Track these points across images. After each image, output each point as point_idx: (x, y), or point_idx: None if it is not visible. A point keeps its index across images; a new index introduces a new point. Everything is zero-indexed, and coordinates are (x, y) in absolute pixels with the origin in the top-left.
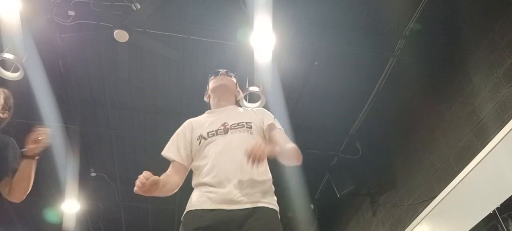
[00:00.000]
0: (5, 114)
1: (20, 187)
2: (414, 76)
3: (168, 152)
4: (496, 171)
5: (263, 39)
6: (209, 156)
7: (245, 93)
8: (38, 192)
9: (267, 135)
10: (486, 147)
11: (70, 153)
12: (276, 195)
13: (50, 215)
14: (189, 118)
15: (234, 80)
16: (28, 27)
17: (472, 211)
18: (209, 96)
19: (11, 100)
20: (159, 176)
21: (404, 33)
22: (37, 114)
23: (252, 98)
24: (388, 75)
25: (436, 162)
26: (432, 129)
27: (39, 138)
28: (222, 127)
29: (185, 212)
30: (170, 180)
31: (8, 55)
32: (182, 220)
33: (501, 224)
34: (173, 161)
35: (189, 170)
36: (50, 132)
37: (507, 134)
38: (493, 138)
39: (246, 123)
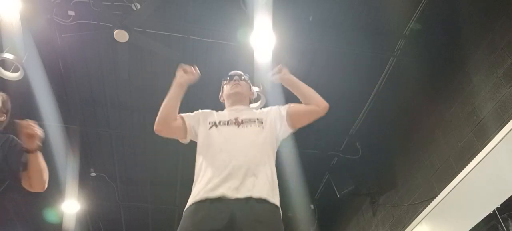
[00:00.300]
0: (3, 118)
1: (37, 179)
2: (414, 76)
3: (185, 114)
4: (496, 171)
5: (263, 39)
6: (217, 143)
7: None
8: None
9: (286, 116)
10: (486, 147)
11: (70, 153)
12: None
13: (50, 215)
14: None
15: (248, 83)
16: (28, 27)
17: (472, 211)
18: (223, 98)
19: (9, 104)
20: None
21: (404, 33)
22: (37, 114)
23: None
24: (388, 75)
25: (436, 162)
26: (432, 129)
27: (30, 132)
28: (233, 119)
29: (187, 205)
30: (174, 114)
31: (8, 55)
32: (184, 213)
33: (501, 224)
34: (185, 116)
35: (183, 139)
36: (34, 122)
37: (507, 134)
38: (493, 138)
39: (258, 119)
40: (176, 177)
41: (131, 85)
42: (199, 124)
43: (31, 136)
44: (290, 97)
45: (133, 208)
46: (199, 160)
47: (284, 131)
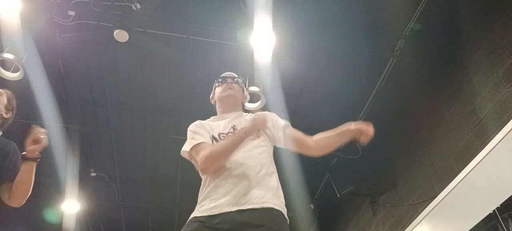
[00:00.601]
0: (8, 115)
1: (21, 190)
2: (414, 76)
3: (199, 139)
4: (496, 171)
5: (263, 39)
6: None
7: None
8: (38, 192)
9: (282, 134)
10: (486, 147)
11: (70, 153)
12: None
13: (50, 215)
14: (189, 118)
15: (241, 86)
16: (28, 27)
17: (472, 211)
18: (214, 100)
19: (14, 101)
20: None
21: (404, 33)
22: (37, 114)
23: (252, 98)
24: (388, 75)
25: (436, 162)
26: (432, 129)
27: (39, 138)
28: (232, 130)
29: (191, 217)
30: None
31: (8, 55)
32: (187, 222)
33: (501, 224)
34: (203, 142)
35: None
36: (47, 132)
37: (507, 134)
38: (493, 138)
39: None
40: (176, 177)
41: (131, 85)
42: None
43: (37, 142)
44: (290, 98)
45: (133, 208)
46: (204, 176)
47: (277, 143)
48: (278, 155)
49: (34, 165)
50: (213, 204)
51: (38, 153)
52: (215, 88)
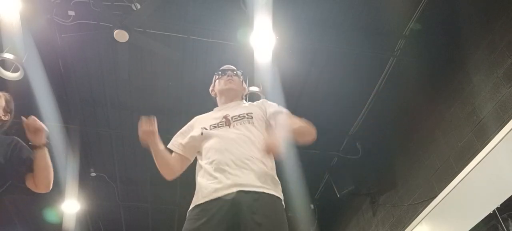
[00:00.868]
0: (6, 117)
1: (42, 177)
2: (414, 76)
3: (171, 144)
4: (496, 171)
5: (263, 39)
6: (212, 147)
7: (245, 93)
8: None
9: (273, 122)
10: (486, 147)
11: (70, 153)
12: None
13: (50, 215)
14: (189, 117)
15: (241, 78)
16: (28, 27)
17: (472, 211)
18: (214, 93)
19: (12, 104)
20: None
21: (404, 33)
22: (37, 115)
23: (252, 98)
24: (388, 75)
25: (436, 162)
26: (432, 129)
27: (36, 126)
28: (223, 119)
29: (190, 208)
30: (171, 161)
31: (8, 55)
32: (188, 215)
33: (501, 224)
34: (173, 152)
35: (191, 160)
36: (37, 119)
37: (507, 134)
38: (493, 138)
39: (247, 114)
40: (176, 177)
41: (131, 85)
42: (194, 136)
43: (37, 130)
44: (290, 98)
45: (133, 208)
46: (199, 164)
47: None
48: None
49: (45, 150)
50: (209, 190)
51: (42, 140)
52: (215, 81)
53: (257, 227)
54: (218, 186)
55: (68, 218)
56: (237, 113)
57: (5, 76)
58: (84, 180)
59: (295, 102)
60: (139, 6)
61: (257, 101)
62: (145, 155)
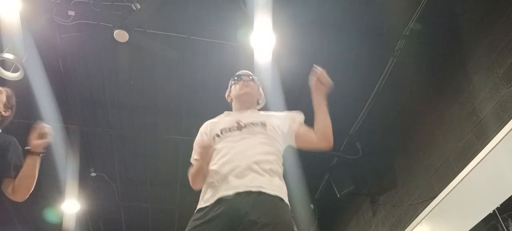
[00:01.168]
0: (7, 113)
1: (24, 184)
2: (414, 76)
3: (193, 156)
4: (496, 171)
5: (263, 39)
6: (221, 151)
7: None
8: (38, 192)
9: (296, 129)
10: (486, 147)
11: (70, 153)
12: None
13: (50, 215)
14: (189, 117)
15: (257, 84)
16: (28, 27)
17: (472, 211)
18: (230, 98)
19: (14, 99)
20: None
21: (404, 33)
22: (37, 114)
23: None
24: (388, 75)
25: (436, 162)
26: (432, 129)
27: (43, 133)
28: (235, 124)
29: (195, 211)
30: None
31: (8, 55)
32: (192, 218)
33: (501, 224)
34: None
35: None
36: (51, 129)
37: (507, 134)
38: (493, 138)
39: (260, 122)
40: (176, 177)
41: (131, 85)
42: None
43: (43, 137)
44: (290, 98)
45: (133, 208)
46: (209, 169)
47: (288, 142)
48: None
49: (38, 159)
50: (213, 193)
51: (42, 148)
52: (231, 86)
53: (264, 227)
54: (221, 189)
55: (68, 218)
56: (251, 121)
57: (5, 76)
58: (84, 180)
59: (295, 102)
60: (139, 6)
61: (278, 113)
62: (145, 155)
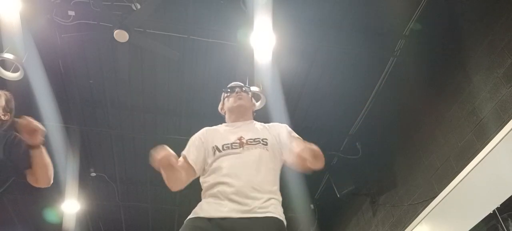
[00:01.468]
0: (6, 117)
1: (42, 174)
2: (414, 76)
3: (186, 151)
4: (496, 171)
5: (263, 39)
6: (223, 168)
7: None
8: (38, 192)
9: (288, 145)
10: (486, 147)
11: (70, 153)
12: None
13: (50, 215)
14: (189, 118)
15: (249, 94)
16: (28, 27)
17: (472, 211)
18: (224, 111)
19: (13, 103)
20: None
21: (404, 33)
22: (37, 114)
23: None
24: (388, 75)
25: (436, 162)
26: (432, 129)
27: (31, 128)
28: (238, 141)
29: (190, 217)
30: (180, 174)
31: (8, 55)
32: (185, 222)
33: (501, 224)
34: (186, 159)
35: (196, 175)
36: (34, 121)
37: (507, 134)
38: (493, 138)
39: (262, 139)
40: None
41: (131, 85)
42: (206, 149)
43: (33, 132)
44: (290, 98)
45: (133, 208)
46: (206, 181)
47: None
48: None
49: (42, 149)
50: (216, 207)
51: (38, 140)
52: (224, 99)
53: None
54: (223, 208)
55: (68, 218)
56: (253, 137)
57: (5, 76)
58: (84, 180)
59: (295, 103)
60: (139, 6)
61: (268, 124)
62: (145, 155)
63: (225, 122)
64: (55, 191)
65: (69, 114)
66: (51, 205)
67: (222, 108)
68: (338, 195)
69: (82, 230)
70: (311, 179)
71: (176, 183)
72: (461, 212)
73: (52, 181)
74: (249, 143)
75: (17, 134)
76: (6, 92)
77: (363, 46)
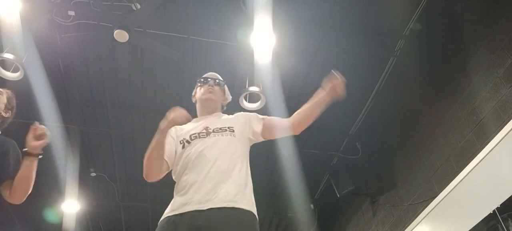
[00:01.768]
0: (8, 114)
1: (22, 187)
2: (414, 76)
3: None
4: (496, 171)
5: (263, 39)
6: (190, 157)
7: (245, 93)
8: (38, 192)
9: (260, 127)
10: (486, 147)
11: (70, 153)
12: (277, 196)
13: (50, 215)
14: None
15: (223, 88)
16: (28, 27)
17: (472, 211)
18: (195, 99)
19: (14, 100)
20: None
21: (404, 33)
22: (37, 114)
23: (252, 98)
24: (388, 75)
25: (436, 162)
26: (432, 129)
27: (41, 134)
28: (204, 131)
29: (161, 218)
30: (160, 161)
31: (8, 55)
32: (158, 225)
33: (501, 224)
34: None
35: (169, 169)
36: (48, 129)
37: (507, 134)
38: (493, 138)
39: (228, 127)
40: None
41: (131, 85)
42: (176, 143)
43: (40, 137)
44: (290, 98)
45: (133, 208)
46: (175, 176)
47: (256, 140)
48: (278, 155)
49: (36, 161)
50: (182, 202)
51: (40, 150)
52: (196, 88)
53: None
54: (189, 201)
55: (68, 218)
56: (219, 126)
57: (5, 76)
58: (84, 180)
59: (295, 103)
60: (139, 6)
61: (236, 114)
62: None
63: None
64: (55, 191)
65: (69, 114)
66: (51, 205)
67: (194, 97)
68: (338, 195)
69: (82, 230)
70: (311, 179)
71: (156, 165)
72: (461, 212)
73: (24, 199)
74: (215, 131)
75: (16, 145)
76: (8, 91)
77: (363, 46)
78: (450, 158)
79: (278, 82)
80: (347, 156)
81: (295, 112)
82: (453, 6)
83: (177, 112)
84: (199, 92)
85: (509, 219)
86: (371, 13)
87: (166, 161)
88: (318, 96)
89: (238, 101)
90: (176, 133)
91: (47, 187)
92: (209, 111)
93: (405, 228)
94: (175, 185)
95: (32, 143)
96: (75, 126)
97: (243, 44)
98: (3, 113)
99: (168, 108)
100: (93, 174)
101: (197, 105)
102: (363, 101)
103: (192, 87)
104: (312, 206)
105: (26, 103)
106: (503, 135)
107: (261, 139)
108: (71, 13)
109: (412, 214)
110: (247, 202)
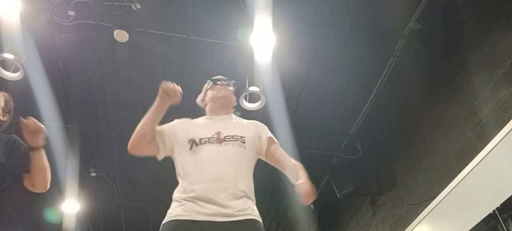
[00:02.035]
0: (5, 117)
1: (39, 178)
2: (414, 76)
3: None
4: (496, 171)
5: (263, 39)
6: (199, 164)
7: (245, 93)
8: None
9: (264, 147)
10: (486, 147)
11: (70, 153)
12: (277, 195)
13: (50, 215)
14: (189, 117)
15: (233, 89)
16: (28, 27)
17: (472, 211)
18: (205, 102)
19: (11, 104)
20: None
21: (404, 33)
22: (37, 114)
23: (252, 98)
24: (388, 75)
25: (436, 162)
26: (432, 129)
27: (33, 128)
28: (215, 136)
29: (167, 220)
30: (153, 129)
31: (8, 55)
32: (161, 227)
33: (501, 224)
34: (160, 131)
35: (157, 154)
36: (37, 122)
37: (507, 134)
38: (493, 138)
39: (241, 137)
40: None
41: (131, 85)
42: (177, 140)
43: (36, 133)
44: (290, 98)
45: (133, 208)
46: (182, 180)
47: (259, 155)
48: None
49: (42, 152)
50: (195, 209)
51: (40, 142)
52: (206, 90)
53: None
54: (203, 210)
55: (68, 218)
56: (231, 134)
57: (5, 76)
58: (84, 180)
59: (295, 102)
60: (139, 6)
61: (248, 121)
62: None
63: (204, 116)
64: (55, 191)
65: (69, 114)
66: (51, 205)
67: (202, 100)
68: (338, 195)
69: (82, 230)
70: (311, 179)
71: (144, 136)
72: (461, 212)
73: (48, 186)
74: (227, 139)
75: (17, 137)
76: (5, 93)
77: (363, 46)
78: (450, 158)
79: (278, 82)
80: (347, 156)
81: (294, 160)
82: (453, 6)
83: (168, 85)
84: (210, 92)
85: (509, 219)
86: (371, 13)
87: (158, 147)
88: (297, 175)
89: (238, 101)
90: (186, 128)
91: (43, 192)
92: (225, 109)
93: (405, 228)
94: (181, 187)
95: (30, 139)
96: (75, 126)
97: (243, 44)
98: (0, 117)
99: (168, 108)
100: (93, 174)
101: (209, 106)
102: (363, 101)
103: (192, 87)
104: (312, 206)
105: (26, 103)
106: (503, 135)
107: (263, 158)
108: (71, 13)
109: (412, 214)
110: (257, 213)
